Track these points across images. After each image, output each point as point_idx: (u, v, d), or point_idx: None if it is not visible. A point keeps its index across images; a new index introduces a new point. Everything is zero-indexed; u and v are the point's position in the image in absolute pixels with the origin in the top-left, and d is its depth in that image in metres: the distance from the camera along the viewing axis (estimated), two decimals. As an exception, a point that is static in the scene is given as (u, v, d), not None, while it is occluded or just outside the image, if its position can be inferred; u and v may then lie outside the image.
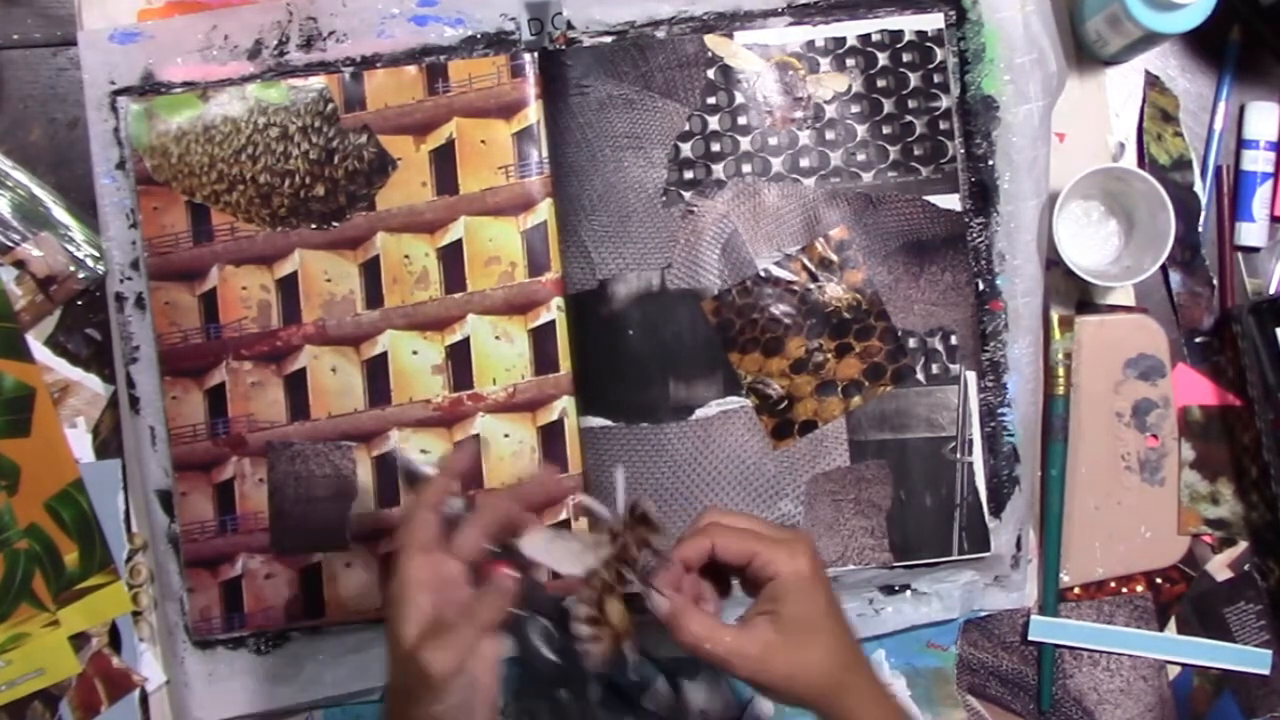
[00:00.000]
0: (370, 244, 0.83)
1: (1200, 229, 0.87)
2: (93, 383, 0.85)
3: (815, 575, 0.64)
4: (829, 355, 0.82)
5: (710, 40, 0.82)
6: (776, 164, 0.82)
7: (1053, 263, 0.84)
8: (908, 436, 0.82)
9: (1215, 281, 0.87)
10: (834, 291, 0.82)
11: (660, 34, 0.83)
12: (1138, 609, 0.86)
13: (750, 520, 0.66)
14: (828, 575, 0.66)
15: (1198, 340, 0.87)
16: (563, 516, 0.81)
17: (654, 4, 0.83)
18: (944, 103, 0.83)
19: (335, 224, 0.83)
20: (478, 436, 0.81)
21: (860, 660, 0.66)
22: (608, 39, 0.83)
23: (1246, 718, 0.85)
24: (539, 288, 0.82)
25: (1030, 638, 0.85)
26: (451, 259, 0.82)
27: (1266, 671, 0.85)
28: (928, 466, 0.82)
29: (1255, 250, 0.87)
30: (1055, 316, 0.85)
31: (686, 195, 0.82)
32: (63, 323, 0.85)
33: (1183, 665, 0.86)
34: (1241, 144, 0.87)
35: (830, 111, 0.83)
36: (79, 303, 0.85)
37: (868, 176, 0.82)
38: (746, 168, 0.82)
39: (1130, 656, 0.85)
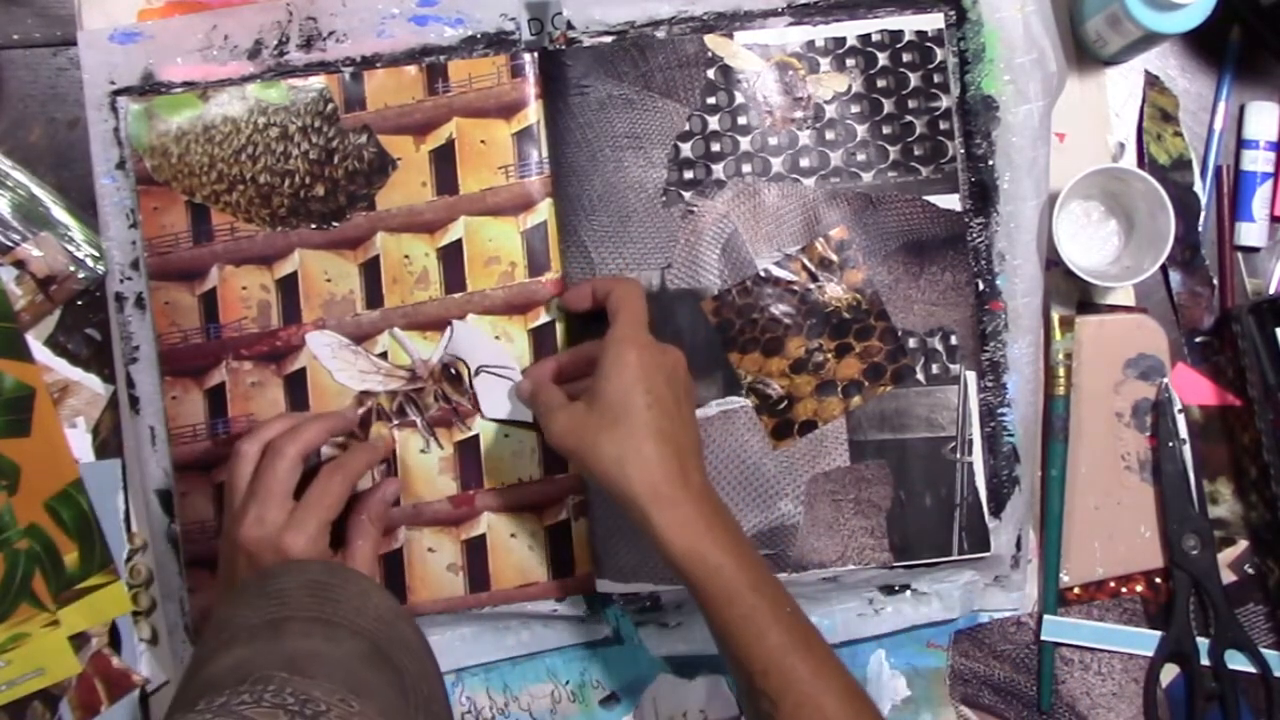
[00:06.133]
0: (370, 244, 0.83)
1: (1200, 229, 0.87)
2: (93, 383, 0.85)
3: (635, 361, 0.65)
4: (829, 355, 0.82)
5: (710, 40, 0.82)
6: (776, 164, 0.82)
7: (1053, 263, 0.84)
8: (908, 436, 0.82)
9: (1215, 281, 0.87)
10: (834, 291, 0.82)
11: (660, 34, 0.83)
12: (1138, 609, 0.86)
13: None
14: (662, 366, 0.67)
15: (1198, 340, 0.87)
16: (563, 516, 0.82)
17: (654, 4, 0.83)
18: (944, 103, 0.83)
19: (335, 224, 0.83)
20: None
21: (691, 480, 0.60)
22: (608, 39, 0.83)
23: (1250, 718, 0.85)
24: (539, 288, 0.82)
25: (1044, 638, 0.84)
26: (451, 259, 0.82)
27: (1278, 674, 0.84)
28: (928, 466, 0.82)
29: (1255, 250, 0.87)
30: (1055, 316, 0.85)
31: (686, 195, 0.82)
32: (63, 323, 0.85)
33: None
34: (1241, 144, 0.87)
35: (830, 111, 0.82)
36: (79, 303, 0.85)
37: (868, 176, 0.82)
38: (746, 168, 0.82)
39: (1121, 660, 0.85)
